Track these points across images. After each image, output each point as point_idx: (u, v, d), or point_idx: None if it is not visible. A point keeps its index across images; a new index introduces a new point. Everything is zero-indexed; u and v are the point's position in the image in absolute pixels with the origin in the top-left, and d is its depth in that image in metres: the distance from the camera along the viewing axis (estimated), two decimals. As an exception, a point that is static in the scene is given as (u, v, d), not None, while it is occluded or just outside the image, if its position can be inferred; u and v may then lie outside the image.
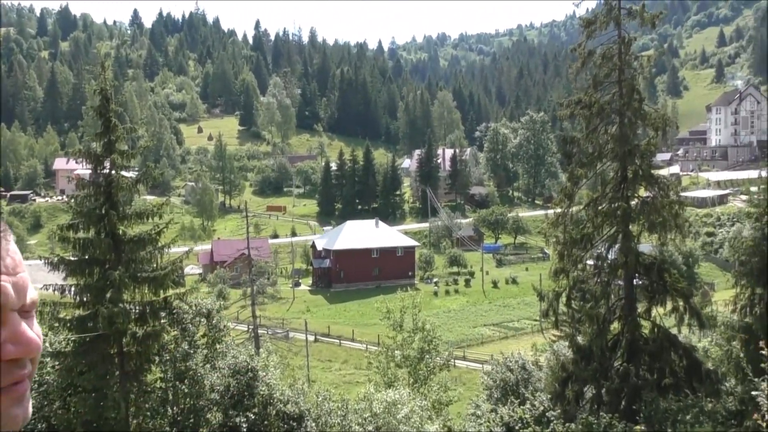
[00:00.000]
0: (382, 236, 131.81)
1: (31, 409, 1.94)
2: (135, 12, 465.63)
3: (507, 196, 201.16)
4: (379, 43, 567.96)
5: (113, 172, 27.89)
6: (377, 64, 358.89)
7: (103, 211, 27.20)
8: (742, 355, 31.65)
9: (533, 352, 56.99)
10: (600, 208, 32.51)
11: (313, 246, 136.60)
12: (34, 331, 1.84)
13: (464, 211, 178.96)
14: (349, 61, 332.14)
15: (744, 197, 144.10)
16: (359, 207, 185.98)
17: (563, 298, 32.45)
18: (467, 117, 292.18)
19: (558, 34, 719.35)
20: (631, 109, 31.93)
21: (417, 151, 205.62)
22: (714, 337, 35.90)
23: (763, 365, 12.23)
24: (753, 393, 11.85)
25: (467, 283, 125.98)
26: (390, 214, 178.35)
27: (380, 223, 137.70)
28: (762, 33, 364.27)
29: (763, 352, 12.40)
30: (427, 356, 47.34)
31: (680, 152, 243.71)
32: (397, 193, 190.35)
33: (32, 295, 1.85)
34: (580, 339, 32.17)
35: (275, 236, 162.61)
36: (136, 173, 30.46)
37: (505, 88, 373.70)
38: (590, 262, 33.77)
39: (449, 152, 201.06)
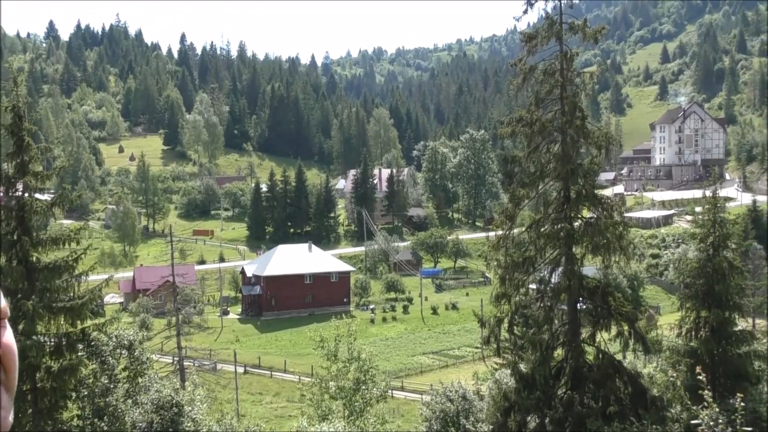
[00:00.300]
0: (316, 261, 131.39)
1: (10, 421, 1.89)
2: (51, 24, 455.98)
3: (446, 218, 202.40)
4: (312, 57, 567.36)
5: (26, 194, 27.35)
6: (310, 80, 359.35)
7: (15, 237, 26.63)
8: (686, 380, 32.24)
9: (474, 381, 57.25)
10: (542, 229, 32.85)
11: (243, 272, 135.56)
12: (5, 338, 1.80)
13: (402, 233, 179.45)
14: (281, 76, 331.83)
15: (689, 218, 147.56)
16: (291, 230, 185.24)
17: (505, 324, 32.66)
18: (405, 135, 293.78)
19: (498, 49, 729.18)
20: (573, 127, 32.40)
21: (352, 172, 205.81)
22: (659, 362, 36.52)
23: (700, 392, 12.48)
24: (692, 422, 12.09)
25: (405, 309, 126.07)
26: (324, 237, 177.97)
27: (314, 247, 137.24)
28: (705, 49, 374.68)
29: (701, 377, 12.66)
30: (363, 387, 47.15)
31: (624, 171, 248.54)
32: (332, 215, 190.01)
33: (2, 302, 1.84)
34: (522, 367, 32.39)
35: (202, 262, 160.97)
36: (52, 196, 29.89)
37: (444, 105, 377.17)
38: (533, 286, 34.10)
39: (386, 172, 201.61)
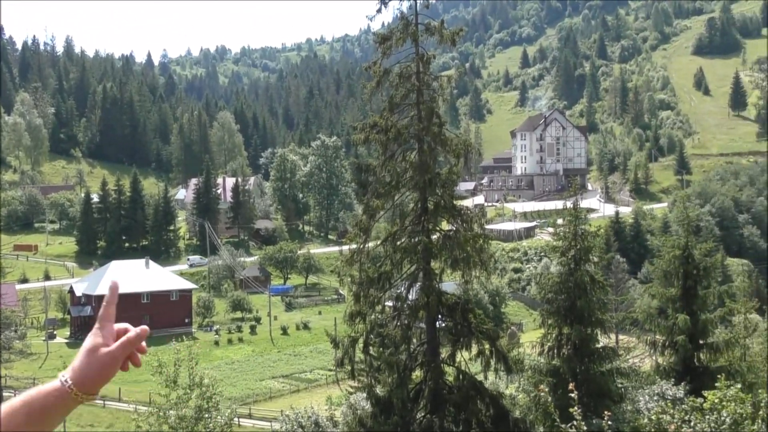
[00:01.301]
0: (154, 278, 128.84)
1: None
2: None
3: (297, 231, 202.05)
4: (149, 56, 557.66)
5: None
6: (146, 80, 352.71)
7: None
8: (549, 400, 33.10)
9: (328, 405, 57.21)
10: (399, 243, 33.12)
11: (72, 291, 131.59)
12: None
13: (249, 248, 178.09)
14: (113, 76, 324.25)
15: (551, 230, 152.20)
16: (126, 245, 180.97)
17: (360, 345, 32.70)
18: (251, 141, 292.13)
19: (352, 50, 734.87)
20: (430, 134, 32.82)
21: (194, 180, 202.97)
22: (522, 382, 37.38)
23: (571, 410, 12.84)
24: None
25: (253, 330, 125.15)
26: (163, 252, 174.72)
27: (151, 263, 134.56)
28: (565, 54, 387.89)
29: (572, 395, 12.99)
30: (207, 416, 46.41)
31: (485, 181, 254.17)
32: (171, 228, 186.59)
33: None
34: (379, 390, 32.54)
35: (24, 280, 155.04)
36: None
37: (293, 109, 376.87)
38: (389, 303, 34.30)
39: (231, 181, 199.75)
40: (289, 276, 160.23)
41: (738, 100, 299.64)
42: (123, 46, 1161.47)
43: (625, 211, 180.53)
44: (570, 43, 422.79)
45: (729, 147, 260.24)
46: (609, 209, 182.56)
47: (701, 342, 35.43)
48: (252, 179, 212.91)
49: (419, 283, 32.83)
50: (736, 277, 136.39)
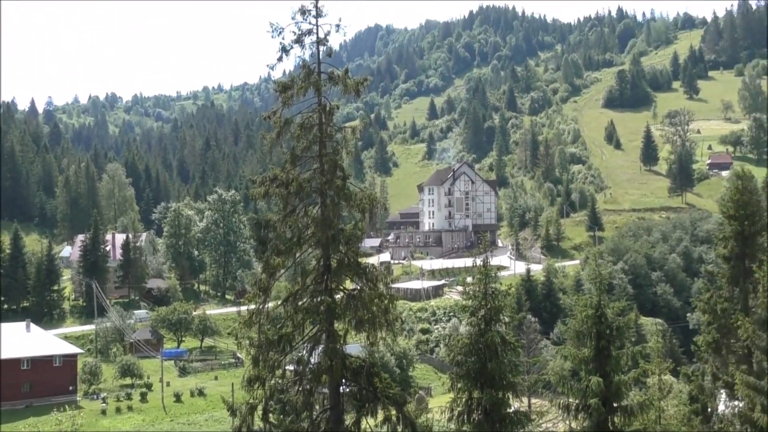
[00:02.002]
0: (35, 342, 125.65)
1: None
2: None
3: (192, 290, 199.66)
4: (32, 102, 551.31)
5: None
6: (29, 128, 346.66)
7: None
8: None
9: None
10: (300, 303, 32.97)
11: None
12: None
13: (140, 308, 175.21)
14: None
15: (460, 288, 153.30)
16: (6, 306, 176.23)
17: (259, 412, 32.35)
18: (143, 195, 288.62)
19: (251, 99, 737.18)
20: (334, 188, 32.91)
21: (80, 237, 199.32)
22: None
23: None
24: None
25: (143, 397, 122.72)
26: (45, 314, 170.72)
27: (32, 326, 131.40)
28: (474, 105, 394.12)
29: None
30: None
31: (391, 237, 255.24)
32: (55, 288, 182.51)
33: None
34: (279, 461, 32.14)
35: None
36: None
37: (189, 160, 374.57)
38: (290, 367, 34.04)
39: (121, 238, 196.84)
40: (183, 339, 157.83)
41: (649, 155, 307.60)
42: (3, 92, 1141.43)
43: (537, 268, 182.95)
44: (479, 94, 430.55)
45: (641, 202, 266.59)
46: (520, 267, 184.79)
47: (615, 405, 35.87)
48: (144, 235, 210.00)
49: (322, 346, 32.68)
50: (650, 337, 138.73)
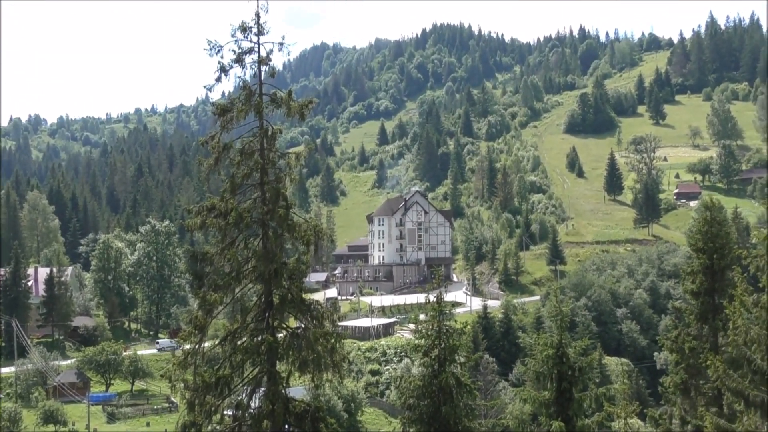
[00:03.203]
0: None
1: None
2: None
3: (122, 329, 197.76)
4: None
5: None
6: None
7: None
8: None
9: None
10: (240, 342, 32.84)
11: None
12: None
13: (65, 349, 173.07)
14: None
15: (412, 326, 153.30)
16: None
17: (195, 461, 32.12)
18: (69, 226, 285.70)
19: (187, 122, 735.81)
20: (276, 219, 32.88)
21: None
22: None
23: None
24: None
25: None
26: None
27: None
28: (428, 130, 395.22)
29: None
30: None
31: (338, 272, 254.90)
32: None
33: None
34: None
35: None
36: None
37: (119, 188, 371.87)
38: (229, 412, 33.84)
39: (44, 272, 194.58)
40: (111, 382, 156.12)
41: (613, 183, 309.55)
42: None
43: (495, 304, 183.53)
44: (432, 118, 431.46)
45: (605, 234, 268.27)
46: (476, 303, 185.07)
47: (578, 451, 36.03)
48: (69, 269, 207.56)
49: (263, 389, 32.55)
50: (615, 378, 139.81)
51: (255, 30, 33.42)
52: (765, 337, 31.03)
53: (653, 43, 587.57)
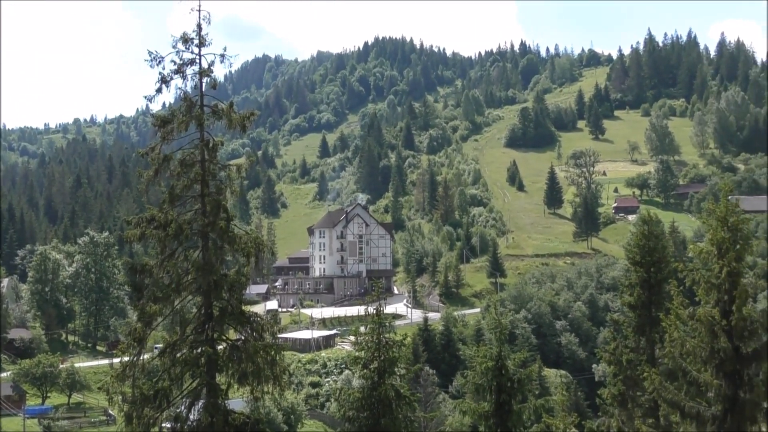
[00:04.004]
0: None
1: None
2: None
3: (59, 341, 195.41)
4: None
5: None
6: None
7: None
8: None
9: None
10: (179, 355, 32.65)
11: None
12: None
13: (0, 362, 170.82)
14: None
15: (353, 339, 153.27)
16: None
17: (132, 475, 31.86)
18: (5, 237, 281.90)
19: (127, 133, 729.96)
20: (216, 230, 32.78)
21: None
22: None
23: None
24: None
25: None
26: None
27: None
28: (369, 143, 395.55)
29: None
30: None
31: (279, 284, 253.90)
32: None
33: None
34: None
35: None
36: None
37: (57, 199, 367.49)
38: (167, 425, 33.62)
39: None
40: (48, 395, 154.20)
41: (553, 197, 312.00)
42: None
43: (435, 317, 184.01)
44: (374, 131, 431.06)
45: (545, 247, 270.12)
46: (417, 315, 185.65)
47: (517, 462, 36.25)
48: (5, 281, 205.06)
49: (202, 401, 32.39)
50: (554, 390, 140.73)
51: (196, 41, 33.34)
52: (700, 349, 31.50)
53: (593, 59, 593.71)
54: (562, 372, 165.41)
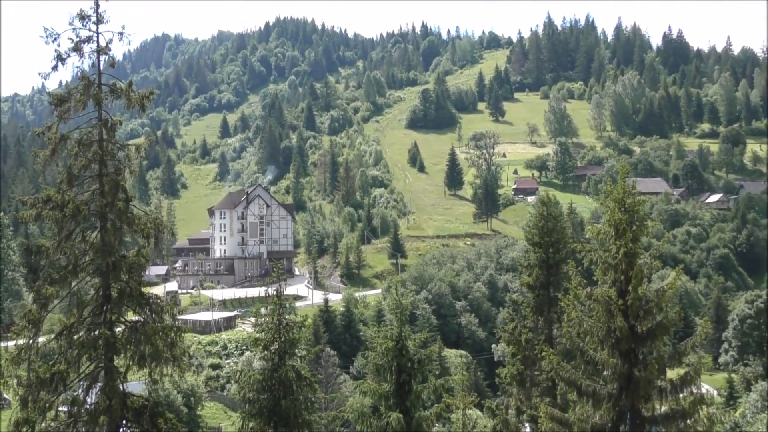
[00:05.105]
0: None
1: None
2: None
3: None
4: None
5: None
6: None
7: None
8: None
9: None
10: (76, 337, 32.21)
11: None
12: None
13: None
14: None
15: (253, 320, 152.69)
16: None
17: (28, 459, 31.38)
18: None
19: (22, 112, 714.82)
20: (115, 211, 32.37)
21: None
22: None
23: None
24: None
25: None
26: None
27: None
28: (270, 123, 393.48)
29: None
30: None
31: (179, 265, 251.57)
32: None
33: None
34: None
35: None
36: None
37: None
38: (64, 408, 33.16)
39: None
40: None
41: (454, 179, 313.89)
42: None
43: (336, 298, 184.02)
44: (275, 111, 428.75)
45: (445, 229, 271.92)
46: (318, 296, 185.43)
47: (417, 442, 36.50)
48: None
49: (100, 384, 32.01)
50: (454, 370, 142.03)
51: (94, 18, 32.77)
52: (597, 328, 32.09)
53: (493, 42, 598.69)
54: (462, 352, 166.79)
